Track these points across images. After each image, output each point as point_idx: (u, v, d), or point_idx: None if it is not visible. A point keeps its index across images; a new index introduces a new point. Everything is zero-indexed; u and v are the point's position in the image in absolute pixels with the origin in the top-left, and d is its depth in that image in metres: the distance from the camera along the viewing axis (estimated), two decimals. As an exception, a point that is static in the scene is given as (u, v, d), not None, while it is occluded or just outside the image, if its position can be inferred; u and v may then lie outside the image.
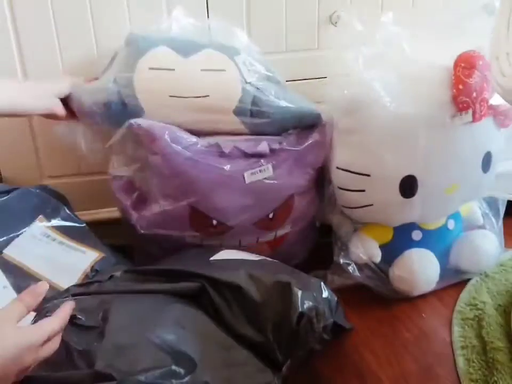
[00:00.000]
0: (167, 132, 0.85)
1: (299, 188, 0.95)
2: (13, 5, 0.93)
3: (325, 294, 0.79)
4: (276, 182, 0.91)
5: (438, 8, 1.11)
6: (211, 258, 0.87)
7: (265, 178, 0.89)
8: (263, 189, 0.90)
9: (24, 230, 0.88)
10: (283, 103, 0.91)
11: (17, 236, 0.87)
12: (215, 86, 0.89)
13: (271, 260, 0.90)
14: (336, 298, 0.82)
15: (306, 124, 0.94)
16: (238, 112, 0.89)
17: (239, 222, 0.92)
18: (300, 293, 0.74)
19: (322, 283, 0.81)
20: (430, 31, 0.95)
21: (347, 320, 0.90)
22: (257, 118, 0.90)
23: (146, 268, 0.83)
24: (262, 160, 0.89)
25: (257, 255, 0.90)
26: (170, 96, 0.88)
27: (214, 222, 0.90)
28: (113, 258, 0.92)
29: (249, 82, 0.89)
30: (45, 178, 1.06)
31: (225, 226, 0.91)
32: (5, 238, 0.85)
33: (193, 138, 0.87)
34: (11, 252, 0.84)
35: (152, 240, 0.93)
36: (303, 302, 0.74)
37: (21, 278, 0.81)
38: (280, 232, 0.98)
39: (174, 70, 0.88)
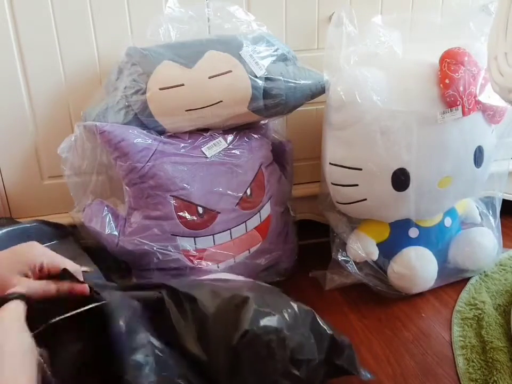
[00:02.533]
0: (129, 131, 0.88)
1: (263, 158, 1.01)
2: (14, 11, 0.94)
3: (314, 323, 0.68)
4: (239, 155, 0.96)
5: (437, 8, 1.11)
6: (198, 278, 0.84)
7: (226, 153, 0.95)
8: (232, 165, 0.96)
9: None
10: (292, 84, 0.93)
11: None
12: (226, 90, 0.90)
13: (265, 284, 0.82)
14: (343, 339, 0.70)
15: (316, 96, 0.98)
16: (253, 109, 0.93)
17: (223, 205, 0.95)
18: (255, 308, 0.63)
19: (313, 312, 0.70)
20: (427, 32, 0.96)
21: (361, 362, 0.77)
22: (272, 108, 0.94)
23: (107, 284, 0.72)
24: (214, 135, 0.95)
25: (251, 280, 0.87)
26: (187, 110, 0.90)
27: (200, 209, 0.92)
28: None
29: (259, 77, 0.91)
30: (45, 178, 1.06)
31: (211, 213, 0.94)
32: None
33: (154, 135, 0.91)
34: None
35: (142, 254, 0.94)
36: (256, 319, 0.62)
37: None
38: (264, 213, 1.01)
39: (183, 85, 0.89)
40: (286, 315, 0.66)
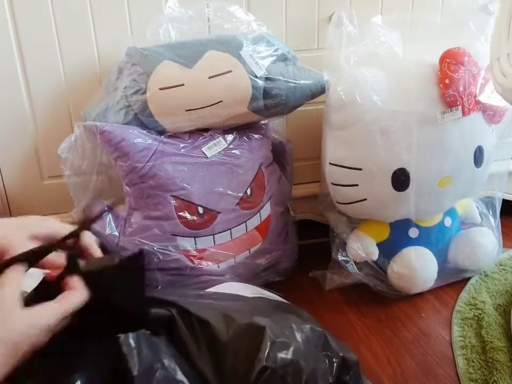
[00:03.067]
0: (130, 131, 0.88)
1: (263, 158, 1.01)
2: (14, 11, 0.94)
3: (326, 344, 0.67)
4: (239, 155, 0.96)
5: (437, 8, 1.11)
6: (206, 290, 0.82)
7: (226, 153, 0.95)
8: (232, 165, 0.96)
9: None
10: (292, 84, 0.93)
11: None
12: (226, 90, 0.90)
13: (275, 299, 0.81)
14: (351, 357, 0.68)
15: (316, 95, 0.98)
16: (253, 109, 0.93)
17: (223, 205, 0.95)
18: (271, 340, 0.62)
19: (326, 334, 0.68)
20: (427, 32, 0.97)
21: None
22: (272, 108, 0.94)
23: None
24: (214, 135, 0.96)
25: (262, 291, 0.86)
26: (187, 110, 0.90)
27: (200, 209, 0.92)
28: None
29: (259, 77, 0.91)
30: (45, 178, 1.06)
31: (211, 213, 0.94)
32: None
33: (154, 135, 0.91)
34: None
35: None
36: (274, 353, 0.61)
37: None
38: (264, 213, 1.01)
39: (183, 85, 0.89)
40: (300, 342, 0.65)
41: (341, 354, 0.68)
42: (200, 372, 0.62)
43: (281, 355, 0.61)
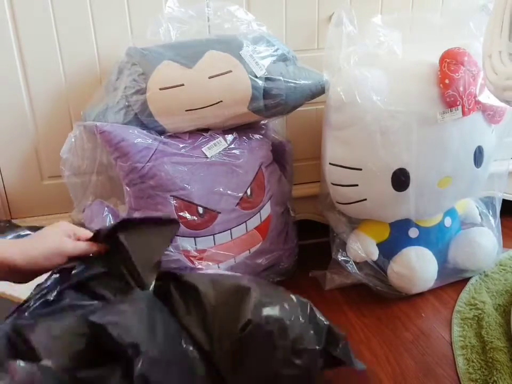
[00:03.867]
0: (130, 131, 0.88)
1: (263, 158, 1.01)
2: (14, 11, 0.94)
3: (312, 315, 0.69)
4: (239, 155, 0.97)
5: (437, 8, 1.11)
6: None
7: (226, 153, 0.95)
8: (232, 165, 0.96)
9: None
10: (292, 84, 0.93)
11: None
12: (226, 90, 0.91)
13: (267, 282, 0.82)
14: (339, 331, 0.71)
15: (316, 96, 0.98)
16: (253, 109, 0.93)
17: (223, 205, 0.95)
18: (256, 298, 0.64)
19: (309, 304, 0.71)
20: (427, 32, 0.97)
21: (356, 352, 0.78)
22: (272, 108, 0.94)
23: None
24: (214, 135, 0.96)
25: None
26: (187, 110, 0.90)
27: (200, 209, 0.92)
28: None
29: (259, 77, 0.91)
30: (45, 178, 1.06)
31: (211, 213, 0.94)
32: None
33: (153, 135, 0.92)
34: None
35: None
36: (259, 309, 0.63)
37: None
38: (264, 213, 1.01)
39: (183, 85, 0.89)
40: (286, 305, 0.66)
41: (327, 324, 0.70)
42: (191, 334, 0.64)
43: (267, 312, 0.63)
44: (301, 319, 0.67)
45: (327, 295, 1.05)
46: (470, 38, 0.95)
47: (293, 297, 0.70)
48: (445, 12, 1.11)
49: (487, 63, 0.71)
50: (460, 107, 0.89)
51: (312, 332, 0.68)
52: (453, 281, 1.05)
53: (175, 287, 0.69)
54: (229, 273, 0.87)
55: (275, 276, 1.06)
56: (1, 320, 0.62)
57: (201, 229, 0.94)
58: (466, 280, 1.05)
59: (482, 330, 0.89)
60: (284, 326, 0.63)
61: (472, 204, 1.09)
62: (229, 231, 0.97)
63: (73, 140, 0.92)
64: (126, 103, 0.90)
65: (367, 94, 0.88)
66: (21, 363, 0.51)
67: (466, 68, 0.88)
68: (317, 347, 0.67)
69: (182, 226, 0.92)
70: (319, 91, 0.96)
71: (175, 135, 0.94)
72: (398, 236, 1.01)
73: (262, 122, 1.03)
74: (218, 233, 0.96)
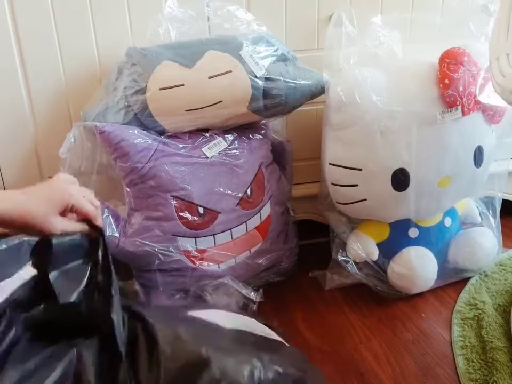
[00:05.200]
0: (129, 131, 0.88)
1: (263, 158, 1.01)
2: (14, 11, 0.94)
3: None
4: (239, 155, 0.96)
5: (437, 8, 1.11)
6: (188, 313, 0.67)
7: (226, 153, 0.95)
8: (232, 165, 0.96)
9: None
10: (292, 84, 0.93)
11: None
12: (226, 90, 0.90)
13: (259, 334, 0.66)
14: None
15: (316, 96, 0.98)
16: (253, 109, 0.93)
17: (223, 205, 0.95)
18: (213, 377, 0.51)
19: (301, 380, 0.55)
20: (426, 32, 0.97)
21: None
22: (272, 108, 0.94)
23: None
24: (214, 135, 0.96)
25: (251, 324, 0.69)
26: (186, 110, 0.90)
27: (201, 209, 0.93)
28: None
29: (259, 77, 0.91)
30: (45, 178, 1.06)
31: (212, 213, 0.94)
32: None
33: (153, 135, 0.92)
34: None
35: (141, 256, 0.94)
36: None
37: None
38: (264, 213, 1.02)
39: (183, 85, 0.89)
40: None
41: None
42: None
43: None
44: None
45: (327, 295, 1.05)
46: (470, 38, 0.96)
47: (275, 369, 0.55)
48: (445, 12, 1.11)
49: (495, 65, 0.70)
50: (459, 107, 0.89)
51: None
52: (453, 281, 1.05)
53: (142, 331, 0.57)
54: (222, 317, 0.68)
55: (275, 276, 1.07)
56: None
57: (201, 229, 0.94)
58: (466, 280, 1.05)
59: (482, 330, 0.89)
60: None
61: (472, 204, 1.09)
62: (229, 231, 0.97)
63: (72, 140, 0.92)
64: (126, 103, 0.90)
65: (367, 94, 0.88)
66: None
67: (466, 68, 0.88)
68: None
69: (182, 226, 0.92)
70: (319, 91, 0.96)
71: (175, 135, 0.94)
72: (398, 236, 1.01)
73: (262, 122, 1.03)
74: (219, 233, 0.96)
